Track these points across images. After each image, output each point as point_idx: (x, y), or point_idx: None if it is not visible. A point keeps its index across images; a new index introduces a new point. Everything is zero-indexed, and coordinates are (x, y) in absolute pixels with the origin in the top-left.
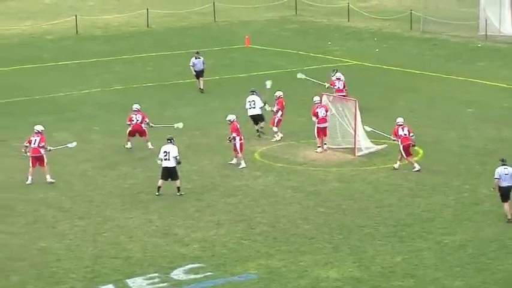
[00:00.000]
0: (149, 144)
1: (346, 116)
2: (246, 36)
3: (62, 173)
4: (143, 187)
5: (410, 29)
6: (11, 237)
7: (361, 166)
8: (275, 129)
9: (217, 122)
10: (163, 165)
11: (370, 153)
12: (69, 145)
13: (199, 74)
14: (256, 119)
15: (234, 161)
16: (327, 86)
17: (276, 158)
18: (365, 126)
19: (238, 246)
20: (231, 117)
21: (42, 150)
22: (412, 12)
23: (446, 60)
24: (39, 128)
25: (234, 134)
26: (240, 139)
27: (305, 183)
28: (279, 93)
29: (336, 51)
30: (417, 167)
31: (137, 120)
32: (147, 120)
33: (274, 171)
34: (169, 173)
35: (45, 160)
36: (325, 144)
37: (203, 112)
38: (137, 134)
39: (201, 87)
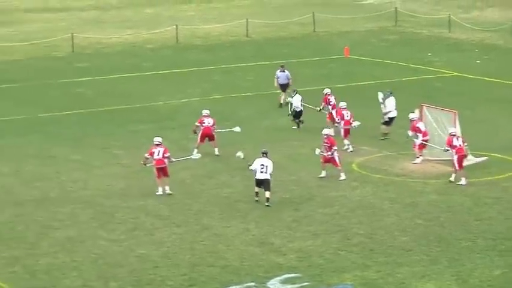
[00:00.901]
0: (216, 150)
1: (445, 127)
2: (345, 47)
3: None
4: (241, 196)
5: None
6: (111, 244)
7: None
8: (346, 141)
9: (316, 132)
10: (258, 177)
11: (469, 165)
12: (192, 156)
13: (283, 88)
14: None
15: (324, 174)
16: (319, 109)
17: (374, 169)
18: (409, 134)
19: (334, 256)
20: (327, 131)
21: (166, 161)
22: None
23: None
24: (159, 139)
25: (335, 147)
26: (336, 150)
27: (403, 195)
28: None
29: (436, 62)
30: (464, 181)
31: (208, 123)
32: (215, 126)
33: (372, 182)
34: (263, 184)
35: (169, 171)
36: (421, 155)
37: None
38: (207, 139)
39: (282, 102)
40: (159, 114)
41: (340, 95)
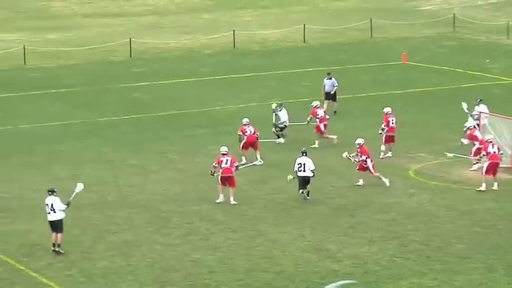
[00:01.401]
0: (258, 157)
1: (503, 135)
2: (403, 53)
3: (216, 187)
4: (296, 202)
5: None
6: (166, 248)
7: None
8: (382, 147)
9: (371, 138)
10: (299, 175)
11: None
12: (256, 163)
13: (328, 96)
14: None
15: (360, 182)
16: (307, 122)
17: (431, 176)
18: (446, 153)
19: (390, 263)
20: (360, 140)
21: (233, 170)
22: None
23: None
24: (225, 149)
25: (364, 157)
26: (371, 160)
27: (459, 202)
28: (315, 103)
29: (494, 69)
30: (483, 187)
31: (251, 132)
32: (258, 133)
33: (428, 189)
34: (306, 183)
35: (235, 181)
36: (478, 162)
37: (356, 128)
38: (250, 147)
39: (334, 110)
40: (216, 119)
41: (397, 101)
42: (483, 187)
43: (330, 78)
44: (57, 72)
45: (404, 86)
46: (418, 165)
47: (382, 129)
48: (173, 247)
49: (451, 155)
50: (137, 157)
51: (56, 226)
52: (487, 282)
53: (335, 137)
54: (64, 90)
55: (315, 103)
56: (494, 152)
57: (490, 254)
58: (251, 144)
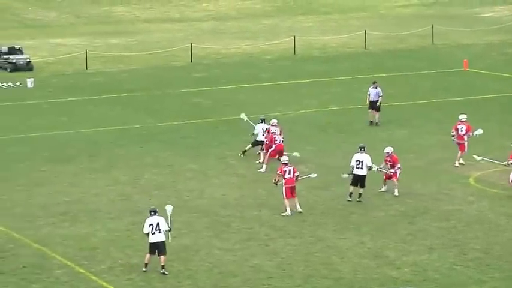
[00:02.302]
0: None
1: None
2: (464, 60)
3: (276, 192)
4: (356, 208)
5: None
6: (225, 253)
7: None
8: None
9: (432, 145)
10: (354, 173)
11: None
12: (312, 175)
13: (373, 105)
14: None
15: (384, 188)
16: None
17: (491, 183)
18: (474, 155)
19: (450, 271)
20: (389, 149)
21: (297, 180)
22: None
23: None
24: (286, 158)
25: (398, 165)
26: (400, 168)
27: None
28: (461, 117)
29: None
30: None
31: (280, 141)
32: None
33: (489, 196)
34: (359, 180)
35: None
36: None
37: (418, 135)
38: (278, 155)
39: (373, 121)
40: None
41: (459, 108)
42: None
43: (376, 87)
44: (119, 77)
45: (465, 93)
46: (479, 173)
47: (453, 136)
48: (232, 252)
49: (480, 158)
50: (197, 162)
51: (161, 247)
52: None
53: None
54: (125, 94)
55: (273, 121)
56: None
57: None
58: (279, 153)
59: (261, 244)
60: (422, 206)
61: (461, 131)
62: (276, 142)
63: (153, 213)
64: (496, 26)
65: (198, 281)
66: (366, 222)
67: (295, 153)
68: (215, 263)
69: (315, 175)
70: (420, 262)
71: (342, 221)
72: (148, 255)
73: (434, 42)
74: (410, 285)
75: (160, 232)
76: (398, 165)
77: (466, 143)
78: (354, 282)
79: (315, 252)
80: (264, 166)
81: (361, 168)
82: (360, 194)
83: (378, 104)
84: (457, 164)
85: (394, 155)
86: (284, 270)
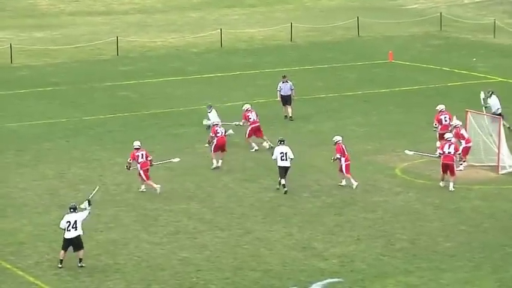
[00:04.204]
0: (266, 143)
1: (490, 133)
2: (390, 52)
3: (204, 185)
4: (284, 200)
5: None
6: (154, 247)
7: (504, 184)
8: (437, 143)
9: (359, 136)
10: (279, 165)
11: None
12: (173, 160)
13: (286, 100)
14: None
15: (344, 182)
16: (239, 124)
17: (418, 174)
18: (406, 151)
19: (377, 262)
20: (337, 138)
21: (151, 165)
22: None
23: None
24: (138, 144)
25: (338, 155)
26: (346, 160)
27: (446, 201)
28: (245, 106)
29: (480, 67)
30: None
31: (222, 133)
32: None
33: (415, 187)
34: (286, 171)
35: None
36: (464, 161)
37: (343, 127)
38: (219, 151)
39: (289, 115)
40: (202, 118)
41: (384, 100)
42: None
43: (287, 82)
44: (44, 70)
45: (391, 84)
46: (405, 164)
47: (435, 127)
48: (160, 245)
49: (411, 152)
50: (124, 156)
51: (75, 243)
52: (474, 281)
53: (267, 144)
54: (51, 88)
55: (246, 106)
56: (449, 152)
57: (477, 252)
58: (220, 148)
59: (189, 237)
60: (349, 197)
61: (445, 120)
62: (218, 134)
63: (72, 210)
64: (420, 17)
65: (127, 274)
66: (294, 214)
67: (176, 159)
68: (143, 256)
69: (177, 159)
70: (348, 253)
71: (270, 213)
72: (62, 251)
73: (360, 35)
74: (337, 277)
75: (76, 230)
76: (338, 155)
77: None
78: (282, 274)
79: (244, 245)
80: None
81: (286, 159)
82: (284, 185)
83: (293, 97)
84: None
85: (339, 144)
86: (213, 263)
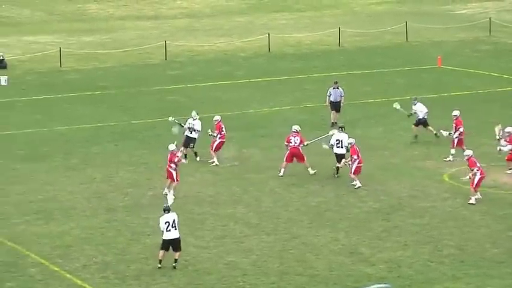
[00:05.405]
0: (310, 169)
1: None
2: (438, 57)
3: (251, 190)
4: (331, 205)
5: None
6: (200, 250)
7: None
8: (452, 151)
9: (407, 142)
10: (334, 152)
11: None
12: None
13: (335, 106)
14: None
15: (357, 184)
16: (212, 134)
17: (466, 180)
18: (441, 131)
19: (424, 268)
20: (350, 140)
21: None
22: None
23: None
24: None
25: (354, 156)
26: (360, 162)
27: (494, 207)
28: (216, 118)
29: None
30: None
31: (295, 143)
32: (305, 143)
33: (463, 193)
34: (341, 159)
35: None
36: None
37: (393, 132)
38: (295, 159)
39: (335, 121)
40: (250, 122)
41: (432, 105)
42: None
43: (338, 88)
44: (93, 74)
45: (439, 89)
46: (453, 170)
47: (458, 133)
48: (207, 249)
49: (446, 133)
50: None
51: (176, 244)
52: None
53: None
54: (99, 92)
55: (217, 118)
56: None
57: None
58: (295, 156)
59: (235, 241)
60: (396, 202)
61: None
62: (290, 145)
63: (166, 211)
64: (469, 23)
65: (173, 278)
66: (341, 219)
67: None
68: (190, 260)
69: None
70: (395, 259)
71: (317, 217)
72: (161, 251)
73: (408, 40)
74: (384, 282)
75: (176, 229)
76: (355, 157)
77: (462, 138)
78: (328, 279)
79: (290, 250)
80: (282, 171)
81: (342, 147)
82: (338, 168)
83: (342, 104)
84: (452, 159)
85: (355, 147)
86: (259, 267)
